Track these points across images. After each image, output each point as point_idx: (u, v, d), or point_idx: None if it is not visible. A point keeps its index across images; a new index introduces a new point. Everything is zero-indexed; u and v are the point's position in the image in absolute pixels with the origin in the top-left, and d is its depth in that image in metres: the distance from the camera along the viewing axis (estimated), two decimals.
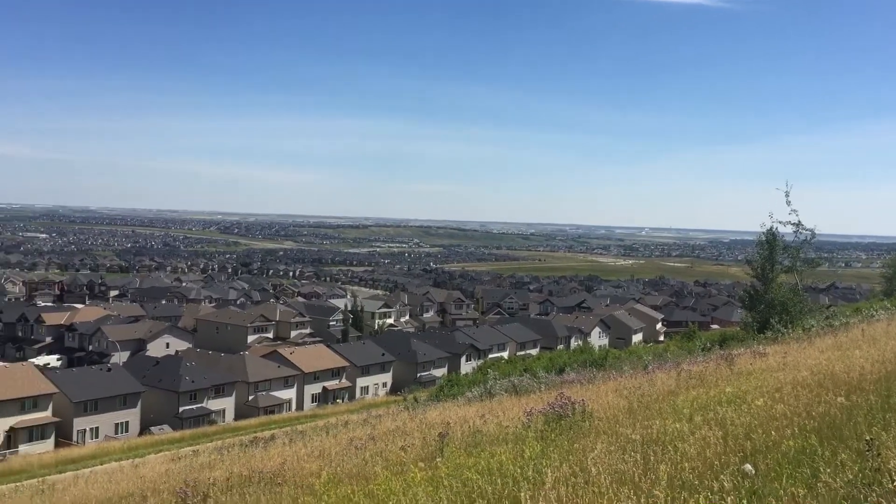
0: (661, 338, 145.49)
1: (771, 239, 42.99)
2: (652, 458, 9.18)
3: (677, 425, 10.78)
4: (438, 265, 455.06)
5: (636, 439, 10.45)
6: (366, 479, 11.64)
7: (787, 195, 38.55)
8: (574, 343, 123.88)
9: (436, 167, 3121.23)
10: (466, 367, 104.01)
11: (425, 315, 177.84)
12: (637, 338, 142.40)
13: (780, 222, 40.98)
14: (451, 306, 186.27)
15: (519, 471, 9.39)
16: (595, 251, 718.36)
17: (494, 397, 28.70)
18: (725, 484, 7.50)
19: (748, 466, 7.96)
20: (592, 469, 8.84)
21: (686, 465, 8.57)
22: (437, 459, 12.00)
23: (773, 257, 43.05)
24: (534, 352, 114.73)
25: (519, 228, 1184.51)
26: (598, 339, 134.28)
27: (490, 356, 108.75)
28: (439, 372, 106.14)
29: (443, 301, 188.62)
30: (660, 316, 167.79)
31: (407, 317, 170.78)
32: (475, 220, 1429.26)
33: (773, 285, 42.21)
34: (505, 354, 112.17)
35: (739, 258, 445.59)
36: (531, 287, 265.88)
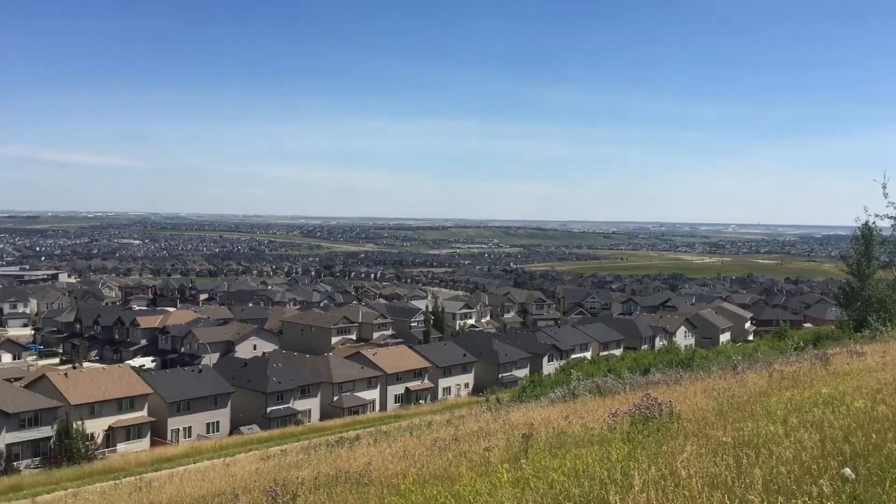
0: (750, 337, 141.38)
1: (867, 233, 41.34)
2: (745, 461, 8.91)
3: (771, 427, 10.43)
4: (519, 265, 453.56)
5: (727, 442, 10.16)
6: (451, 480, 11.65)
7: (884, 187, 36.78)
8: (659, 343, 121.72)
9: (516, 167, 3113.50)
10: (548, 367, 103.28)
11: (506, 316, 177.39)
12: (725, 337, 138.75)
13: (876, 216, 39.17)
14: (532, 306, 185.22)
15: (606, 473, 9.24)
16: (679, 249, 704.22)
17: (578, 398, 28.41)
18: (825, 489, 7.21)
19: (848, 471, 7.64)
20: (682, 472, 8.63)
21: (782, 468, 8.28)
22: (522, 461, 11.93)
23: (870, 252, 41.39)
24: (617, 352, 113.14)
25: (600, 227, 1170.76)
26: (683, 338, 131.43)
27: (572, 356, 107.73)
28: (521, 372, 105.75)
29: (524, 301, 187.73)
30: (748, 315, 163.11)
31: (488, 317, 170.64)
32: (555, 219, 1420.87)
33: (869, 282, 40.59)
34: (588, 355, 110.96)
35: (833, 254, 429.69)
36: (613, 286, 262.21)
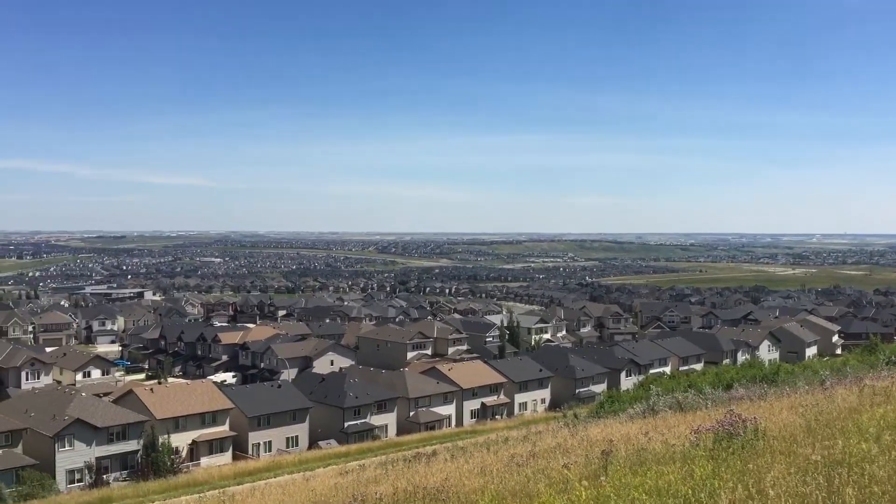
0: (838, 351, 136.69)
1: None
2: (836, 480, 8.57)
3: (863, 445, 10.02)
4: (594, 279, 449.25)
5: (817, 460, 9.79)
6: (529, 497, 11.55)
7: None
8: (741, 357, 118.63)
9: (590, 180, 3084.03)
10: (626, 382, 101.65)
11: (582, 330, 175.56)
12: (811, 351, 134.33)
13: None
14: (609, 320, 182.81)
15: (690, 492, 9.01)
16: (761, 260, 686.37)
17: (658, 414, 27.85)
18: None
19: None
20: (770, 491, 8.36)
21: (875, 488, 7.94)
22: (602, 478, 11.73)
23: None
24: (697, 367, 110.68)
25: (677, 239, 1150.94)
26: (767, 353, 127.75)
27: (651, 371, 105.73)
28: (598, 388, 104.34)
29: (600, 315, 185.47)
30: (836, 328, 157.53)
31: (563, 332, 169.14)
32: (631, 231, 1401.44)
33: None
34: (667, 370, 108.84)
35: None
36: (692, 299, 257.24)
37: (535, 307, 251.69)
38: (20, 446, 64.71)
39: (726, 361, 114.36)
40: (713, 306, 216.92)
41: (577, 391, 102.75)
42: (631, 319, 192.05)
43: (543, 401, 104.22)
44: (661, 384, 48.39)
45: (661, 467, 11.41)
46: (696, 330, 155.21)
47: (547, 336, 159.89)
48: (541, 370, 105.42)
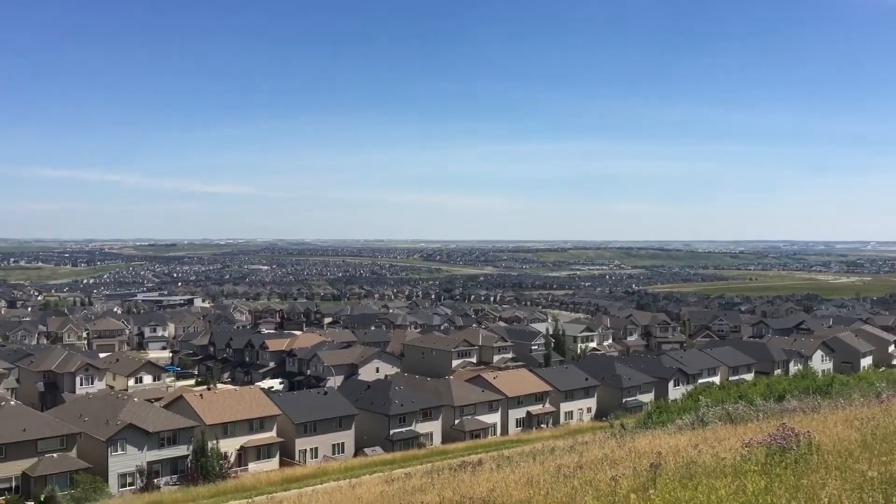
0: (895, 362, 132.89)
1: None
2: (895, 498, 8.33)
3: None
4: (641, 287, 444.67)
5: (874, 477, 9.54)
6: None
7: None
8: (793, 368, 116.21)
9: (637, 187, 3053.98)
10: (674, 392, 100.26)
11: (629, 339, 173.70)
12: (866, 362, 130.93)
13: None
14: (656, 329, 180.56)
15: None
16: (813, 268, 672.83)
17: (707, 426, 27.41)
18: None
19: None
20: None
21: None
22: (651, 491, 11.58)
23: None
24: (748, 377, 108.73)
25: (726, 247, 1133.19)
26: (820, 363, 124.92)
27: (699, 381, 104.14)
28: (645, 397, 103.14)
29: (647, 324, 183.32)
30: (892, 338, 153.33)
31: (610, 340, 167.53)
32: (679, 239, 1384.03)
33: None
34: (716, 380, 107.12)
35: None
36: (742, 308, 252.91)
37: (581, 315, 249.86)
38: (74, 450, 66.20)
39: (777, 372, 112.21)
40: (764, 315, 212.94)
41: (623, 400, 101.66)
42: (679, 328, 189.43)
43: (589, 410, 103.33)
44: (710, 395, 47.57)
45: (712, 481, 11.22)
46: (747, 339, 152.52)
47: (593, 345, 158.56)
48: (587, 379, 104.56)
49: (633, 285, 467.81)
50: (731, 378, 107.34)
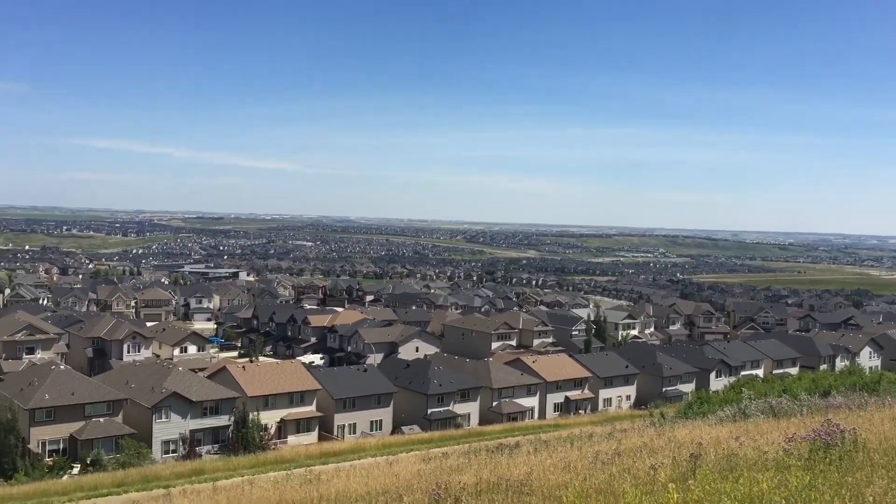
0: None
1: None
2: None
3: None
4: (686, 276, 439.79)
5: None
6: (614, 496, 11.41)
7: None
8: (839, 364, 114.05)
9: (684, 174, 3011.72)
10: (716, 383, 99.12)
11: (671, 328, 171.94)
12: None
13: None
14: (700, 319, 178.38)
15: (783, 502, 8.74)
16: (865, 263, 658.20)
17: (749, 418, 27.08)
18: None
19: None
20: None
21: None
22: (690, 481, 11.48)
23: None
24: (792, 371, 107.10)
25: (775, 238, 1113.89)
26: (868, 359, 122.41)
27: (742, 373, 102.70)
28: (686, 387, 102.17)
29: (690, 313, 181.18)
30: None
31: (651, 329, 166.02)
32: (726, 229, 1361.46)
33: None
34: (759, 372, 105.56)
35: None
36: (789, 301, 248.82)
37: (623, 302, 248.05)
38: (120, 416, 67.91)
39: (823, 367, 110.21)
40: (811, 309, 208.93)
41: (663, 390, 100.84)
42: (723, 319, 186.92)
43: (629, 398, 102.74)
44: (753, 387, 46.94)
45: (754, 474, 11.09)
46: (792, 333, 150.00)
47: (634, 332, 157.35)
48: (627, 366, 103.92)
49: (678, 274, 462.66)
50: (774, 372, 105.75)
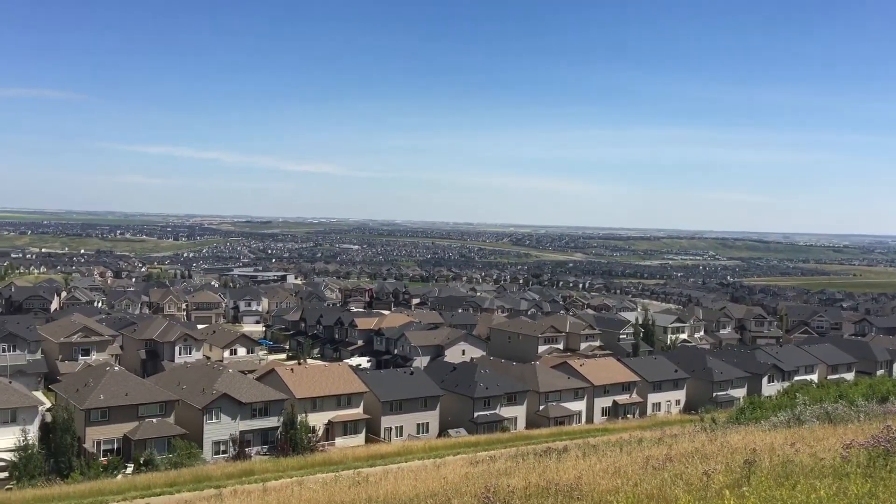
0: None
1: None
2: None
3: None
4: (736, 279, 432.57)
5: None
6: (666, 502, 11.24)
7: None
8: None
9: (734, 176, 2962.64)
10: (769, 389, 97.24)
11: (722, 331, 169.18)
12: None
13: None
14: (751, 323, 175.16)
15: None
16: None
17: (804, 424, 26.48)
18: None
19: None
20: None
21: None
22: (745, 488, 11.25)
23: None
24: (848, 377, 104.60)
25: (829, 240, 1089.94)
26: None
27: (795, 379, 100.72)
28: (737, 392, 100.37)
29: (741, 317, 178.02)
30: None
31: (701, 332, 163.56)
32: (778, 230, 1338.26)
33: None
34: (813, 378, 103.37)
35: None
36: (844, 304, 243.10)
37: (672, 306, 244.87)
38: (172, 416, 69.14)
39: (880, 372, 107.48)
40: (867, 313, 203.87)
41: (714, 395, 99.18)
42: (775, 323, 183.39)
43: (678, 402, 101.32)
44: (807, 393, 45.94)
45: (812, 481, 10.83)
46: (848, 337, 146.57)
47: (683, 336, 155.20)
48: (676, 371, 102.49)
49: (728, 277, 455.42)
50: (829, 377, 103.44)
